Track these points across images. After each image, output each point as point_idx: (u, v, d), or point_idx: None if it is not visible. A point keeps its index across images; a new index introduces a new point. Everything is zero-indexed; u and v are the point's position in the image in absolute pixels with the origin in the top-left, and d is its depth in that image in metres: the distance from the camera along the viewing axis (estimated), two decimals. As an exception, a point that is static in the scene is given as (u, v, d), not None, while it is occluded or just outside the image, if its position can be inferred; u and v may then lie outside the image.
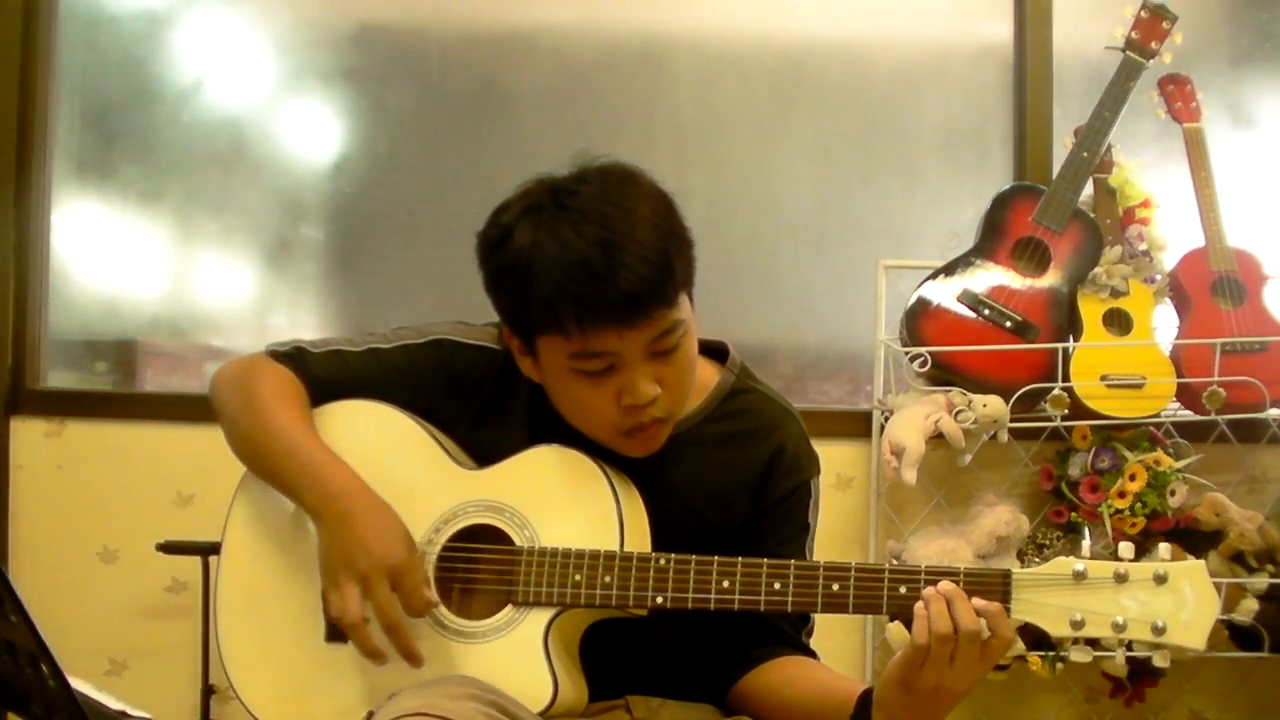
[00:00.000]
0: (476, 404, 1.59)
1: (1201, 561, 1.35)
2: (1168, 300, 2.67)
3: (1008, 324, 2.58)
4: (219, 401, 1.62)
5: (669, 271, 1.42)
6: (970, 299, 2.60)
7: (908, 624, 1.37)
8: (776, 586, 1.42)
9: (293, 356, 1.62)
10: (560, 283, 1.39)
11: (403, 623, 1.43)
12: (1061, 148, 2.73)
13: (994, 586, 1.36)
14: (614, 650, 1.53)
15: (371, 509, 1.47)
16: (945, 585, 1.35)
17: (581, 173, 1.47)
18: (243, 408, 1.57)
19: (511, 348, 1.53)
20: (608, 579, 1.44)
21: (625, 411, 1.46)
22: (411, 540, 1.47)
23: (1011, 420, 2.52)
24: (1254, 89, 2.99)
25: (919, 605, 1.34)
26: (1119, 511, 2.56)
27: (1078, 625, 1.33)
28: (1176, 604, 1.31)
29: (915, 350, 2.56)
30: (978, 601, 1.33)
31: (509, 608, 1.47)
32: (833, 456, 2.68)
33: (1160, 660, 2.50)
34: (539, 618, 1.45)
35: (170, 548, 2.53)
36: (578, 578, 1.44)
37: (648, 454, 1.51)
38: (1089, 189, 2.68)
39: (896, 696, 1.37)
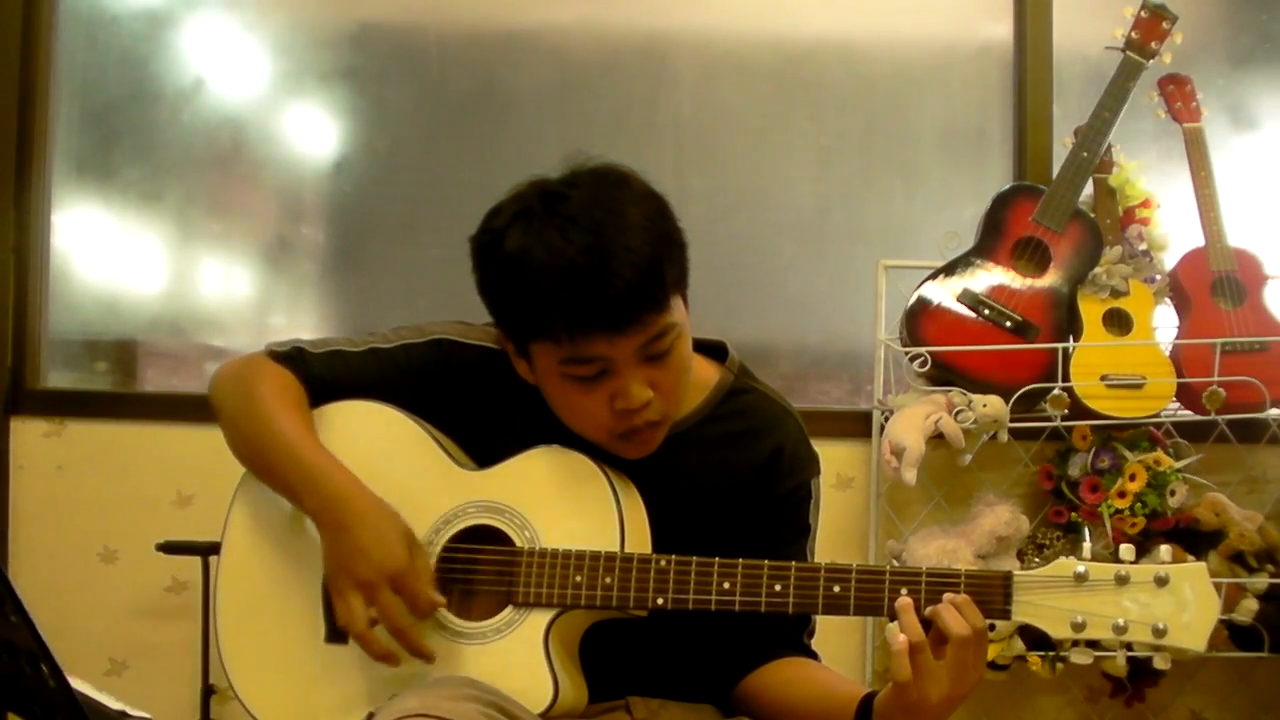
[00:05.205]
0: (476, 404, 1.59)
1: (1202, 564, 1.35)
2: (1168, 300, 2.67)
3: (1008, 324, 2.58)
4: (219, 402, 1.61)
5: (658, 276, 1.41)
6: (970, 299, 2.60)
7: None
8: (777, 588, 1.41)
9: (292, 357, 1.61)
10: (548, 289, 1.39)
11: (409, 625, 1.43)
12: (1061, 148, 2.73)
13: (995, 589, 1.36)
14: (614, 651, 1.53)
15: (371, 512, 1.46)
16: (902, 601, 1.35)
17: (573, 175, 1.46)
18: (242, 410, 1.56)
19: (507, 351, 1.53)
20: (608, 580, 1.44)
21: (619, 416, 1.46)
22: (414, 540, 1.46)
23: (1011, 420, 2.52)
24: (1254, 89, 2.99)
25: (897, 644, 1.33)
26: (1119, 511, 2.56)
27: (1079, 627, 1.33)
28: (1177, 606, 1.31)
29: (915, 350, 2.56)
30: (949, 596, 1.34)
31: (509, 608, 1.46)
32: (833, 456, 2.68)
33: (1161, 662, 2.52)
34: (539, 619, 1.45)
35: (170, 548, 2.53)
36: (578, 579, 1.44)
37: (643, 456, 1.51)
38: (1089, 189, 2.68)
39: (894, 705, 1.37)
